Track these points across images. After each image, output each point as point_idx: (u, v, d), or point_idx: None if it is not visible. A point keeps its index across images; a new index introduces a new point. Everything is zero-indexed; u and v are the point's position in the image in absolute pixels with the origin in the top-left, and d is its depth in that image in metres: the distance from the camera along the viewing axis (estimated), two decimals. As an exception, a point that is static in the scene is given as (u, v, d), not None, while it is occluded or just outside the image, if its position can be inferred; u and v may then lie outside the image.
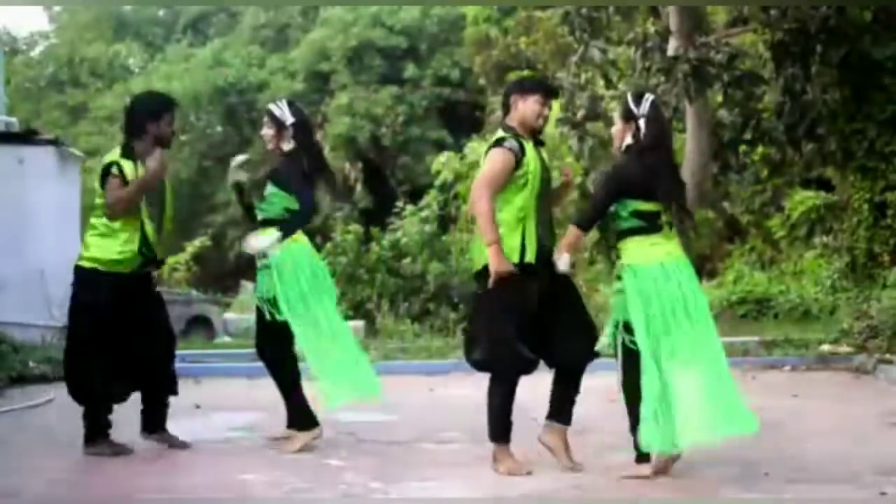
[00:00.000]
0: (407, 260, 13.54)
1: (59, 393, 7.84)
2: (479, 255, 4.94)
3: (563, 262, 4.86)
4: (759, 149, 14.42)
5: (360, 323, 11.96)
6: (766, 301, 13.49)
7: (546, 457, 5.32)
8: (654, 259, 4.76)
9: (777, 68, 12.93)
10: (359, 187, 25.29)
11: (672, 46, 12.67)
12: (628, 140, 4.88)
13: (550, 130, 16.60)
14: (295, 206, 5.48)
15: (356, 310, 13.17)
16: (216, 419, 5.68)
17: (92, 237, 5.46)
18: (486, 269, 4.86)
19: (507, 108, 5.10)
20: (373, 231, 14.25)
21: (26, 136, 11.55)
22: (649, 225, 4.79)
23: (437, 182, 18.17)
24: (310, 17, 28.47)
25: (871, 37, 12.58)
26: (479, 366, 5.03)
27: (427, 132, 25.22)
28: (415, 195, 18.89)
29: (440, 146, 23.60)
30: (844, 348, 9.66)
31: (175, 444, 5.59)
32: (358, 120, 24.68)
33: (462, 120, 24.89)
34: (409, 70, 25.49)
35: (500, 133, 5.01)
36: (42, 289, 10.44)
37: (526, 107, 4.99)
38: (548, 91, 5.16)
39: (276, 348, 5.61)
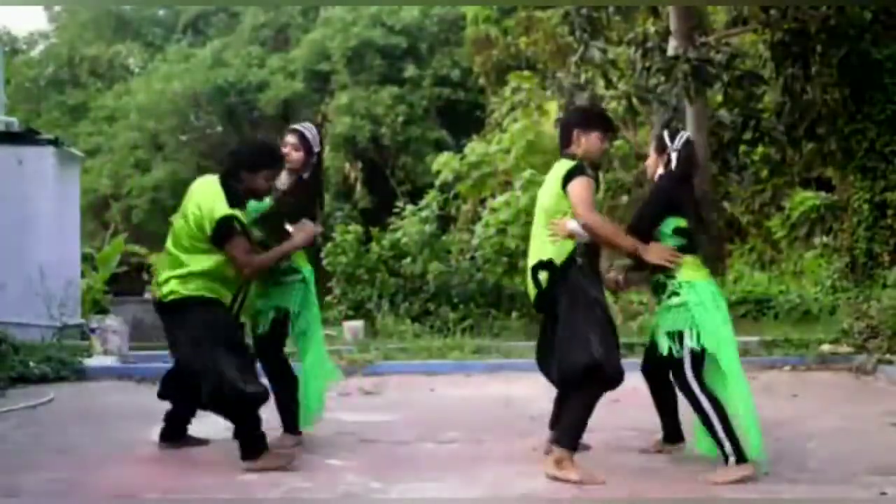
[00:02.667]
0: (407, 260, 13.53)
1: (59, 393, 7.86)
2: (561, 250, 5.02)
3: (575, 225, 4.97)
4: (759, 149, 14.43)
5: (360, 323, 11.95)
6: (766, 301, 13.50)
7: (546, 456, 5.33)
8: (705, 275, 5.11)
9: (777, 68, 12.95)
10: (359, 187, 25.29)
11: (672, 46, 12.68)
12: (661, 171, 5.23)
13: (550, 130, 16.66)
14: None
15: (356, 310, 13.16)
16: (216, 419, 5.66)
17: (199, 278, 5.14)
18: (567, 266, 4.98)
19: (567, 139, 5.23)
20: (373, 231, 14.24)
21: (26, 136, 11.56)
22: (690, 243, 5.09)
23: (437, 182, 18.18)
24: (310, 17, 28.47)
25: (871, 37, 12.59)
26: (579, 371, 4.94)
27: (427, 132, 25.22)
28: (415, 195, 18.87)
29: (440, 146, 23.60)
30: (844, 348, 9.66)
31: (194, 442, 5.65)
32: (358, 120, 24.68)
33: (462, 120, 24.89)
34: (409, 70, 25.49)
35: (568, 162, 5.11)
36: (42, 289, 10.44)
37: (589, 143, 5.21)
38: (609, 126, 5.42)
39: (280, 358, 5.69)
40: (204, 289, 5.12)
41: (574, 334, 4.87)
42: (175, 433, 5.58)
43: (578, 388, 4.89)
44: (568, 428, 4.93)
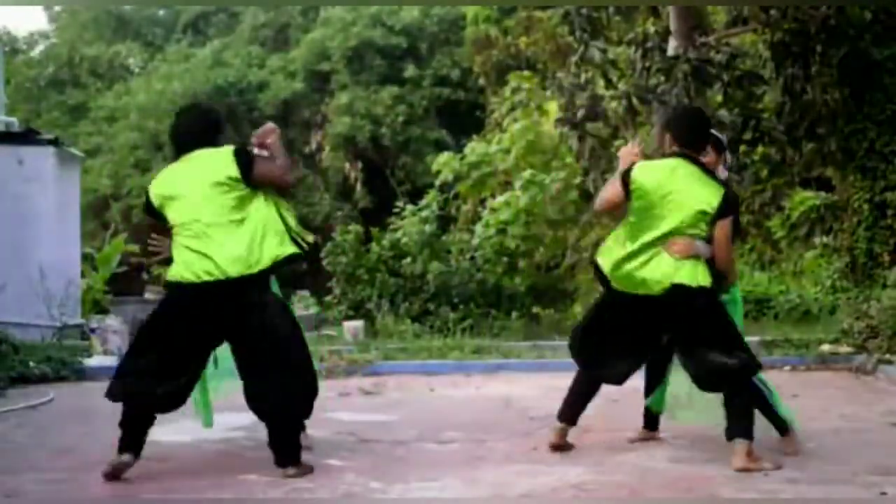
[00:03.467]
0: (407, 260, 13.54)
1: (59, 393, 7.86)
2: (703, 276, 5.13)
3: (703, 248, 5.16)
4: (759, 149, 14.42)
5: (360, 323, 11.96)
6: (766, 301, 13.48)
7: (546, 456, 5.33)
8: None
9: (777, 68, 12.94)
10: (359, 187, 25.30)
11: (672, 46, 12.69)
12: (723, 172, 5.54)
13: (550, 130, 16.66)
14: None
15: (356, 310, 13.16)
16: (216, 419, 5.67)
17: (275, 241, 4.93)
18: (711, 288, 5.12)
19: (697, 144, 5.27)
20: (373, 231, 14.25)
21: (26, 136, 11.57)
22: None
23: (437, 182, 18.18)
24: (310, 17, 28.45)
25: (871, 37, 12.59)
26: (750, 372, 5.17)
27: (427, 132, 25.20)
28: (415, 195, 18.88)
29: (440, 146, 23.59)
30: (844, 348, 9.66)
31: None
32: (358, 120, 24.67)
33: (462, 120, 24.87)
34: (409, 70, 25.47)
35: (717, 184, 5.20)
36: (42, 289, 10.45)
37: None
38: None
39: None
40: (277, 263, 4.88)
41: (735, 340, 5.12)
42: (141, 440, 4.99)
43: (745, 386, 5.11)
44: (749, 420, 5.07)
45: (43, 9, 34.05)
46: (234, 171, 4.89)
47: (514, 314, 12.97)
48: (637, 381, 5.45)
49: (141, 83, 28.77)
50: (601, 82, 13.83)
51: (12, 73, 27.25)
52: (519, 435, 5.99)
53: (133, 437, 4.90)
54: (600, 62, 13.12)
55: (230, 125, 26.98)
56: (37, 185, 11.07)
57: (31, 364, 8.63)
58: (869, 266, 12.77)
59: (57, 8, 33.68)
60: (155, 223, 5.13)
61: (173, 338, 4.88)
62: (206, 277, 4.81)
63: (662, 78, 12.52)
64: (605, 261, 5.25)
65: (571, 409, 5.39)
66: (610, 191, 5.35)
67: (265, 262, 4.86)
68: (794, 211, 15.32)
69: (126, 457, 4.87)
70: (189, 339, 4.89)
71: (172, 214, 4.95)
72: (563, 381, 6.13)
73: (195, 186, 4.91)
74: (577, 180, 15.56)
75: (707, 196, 5.13)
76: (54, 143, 11.52)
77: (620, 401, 6.33)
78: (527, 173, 15.99)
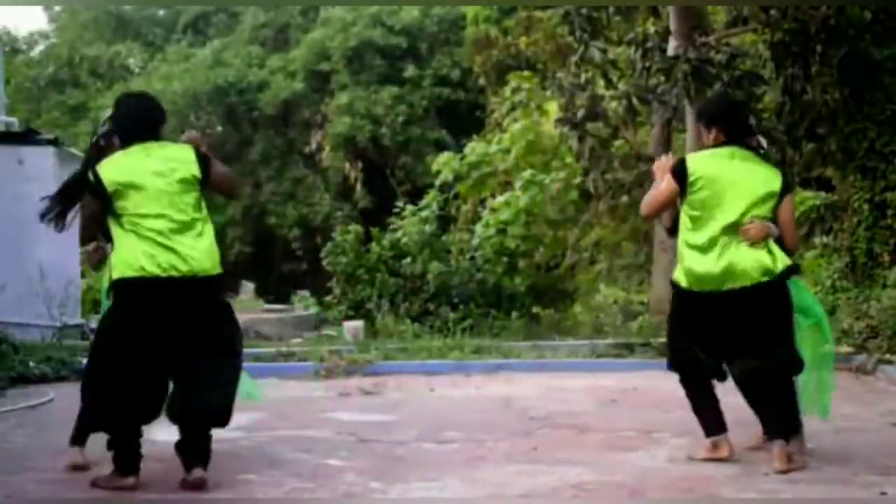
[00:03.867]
0: (407, 260, 13.55)
1: (59, 393, 7.86)
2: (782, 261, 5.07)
3: (774, 230, 5.12)
4: (759, 149, 14.41)
5: (360, 323, 11.96)
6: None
7: (546, 456, 5.33)
8: None
9: (777, 68, 12.92)
10: (359, 187, 25.31)
11: (672, 46, 12.68)
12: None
13: (550, 130, 16.66)
14: None
15: (356, 310, 13.17)
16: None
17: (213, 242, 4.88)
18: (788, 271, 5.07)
19: (748, 132, 5.28)
20: (373, 231, 14.26)
21: (26, 136, 11.58)
22: None
23: (437, 182, 18.19)
24: (310, 17, 28.48)
25: (871, 37, 12.57)
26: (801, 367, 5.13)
27: (427, 132, 25.23)
28: (415, 195, 18.89)
29: (440, 146, 23.60)
30: (844, 348, 9.65)
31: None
32: (358, 120, 24.69)
33: (462, 120, 24.90)
34: (409, 70, 25.50)
35: (773, 168, 5.23)
36: (42, 289, 10.45)
37: None
38: None
39: None
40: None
41: (791, 335, 5.06)
42: (138, 458, 4.77)
43: (787, 382, 5.03)
44: (788, 417, 5.02)
45: (43, 9, 34.10)
46: (196, 170, 4.80)
47: (514, 314, 12.97)
48: (638, 381, 5.45)
49: (141, 83, 28.76)
50: (601, 82, 13.82)
51: (12, 73, 27.25)
52: (519, 435, 5.99)
53: (129, 456, 4.70)
54: (600, 62, 13.11)
55: (230, 125, 27.18)
56: (37, 185, 11.02)
57: (31, 364, 8.63)
58: (869, 266, 12.75)
59: (57, 8, 33.72)
60: (92, 207, 4.88)
61: (142, 345, 4.61)
62: (174, 273, 4.62)
63: (662, 78, 12.52)
64: (684, 269, 5.09)
65: (712, 419, 5.17)
66: (660, 190, 5.17)
67: (219, 265, 4.83)
68: (795, 211, 15.32)
69: (131, 480, 4.68)
70: (158, 339, 4.63)
71: (129, 203, 4.70)
72: (563, 382, 6.22)
73: (162, 180, 4.74)
74: (577, 180, 15.56)
75: (770, 178, 5.13)
76: (54, 143, 11.53)
77: (619, 401, 6.33)
78: (527, 173, 15.99)
